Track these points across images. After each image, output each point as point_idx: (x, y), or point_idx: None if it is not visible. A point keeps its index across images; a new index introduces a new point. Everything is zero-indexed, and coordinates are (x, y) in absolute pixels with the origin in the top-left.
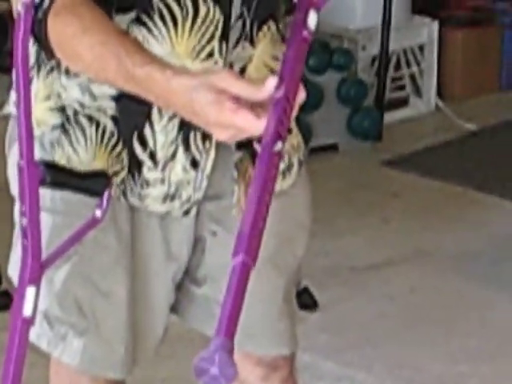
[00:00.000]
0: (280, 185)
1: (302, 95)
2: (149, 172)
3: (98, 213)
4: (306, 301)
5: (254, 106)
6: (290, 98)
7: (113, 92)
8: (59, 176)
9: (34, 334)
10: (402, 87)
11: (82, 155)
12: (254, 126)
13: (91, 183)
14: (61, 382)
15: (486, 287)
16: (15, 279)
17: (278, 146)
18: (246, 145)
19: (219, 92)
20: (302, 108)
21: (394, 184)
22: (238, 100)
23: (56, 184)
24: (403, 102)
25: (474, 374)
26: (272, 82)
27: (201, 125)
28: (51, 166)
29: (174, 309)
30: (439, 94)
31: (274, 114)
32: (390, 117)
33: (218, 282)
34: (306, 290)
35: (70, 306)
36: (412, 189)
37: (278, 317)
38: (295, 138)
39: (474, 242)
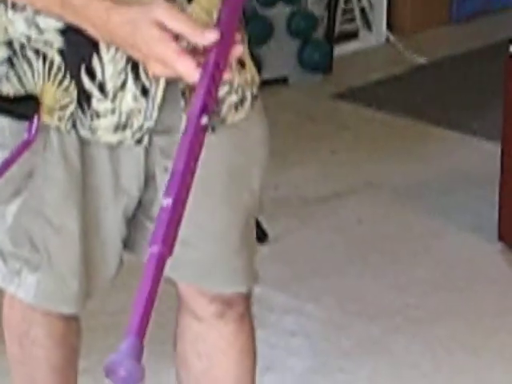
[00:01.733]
0: (232, 118)
1: (238, 49)
2: (98, 103)
3: (30, 134)
4: (256, 233)
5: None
6: (221, 63)
7: (59, 25)
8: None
9: None
10: (352, 20)
11: (29, 89)
12: (192, 74)
13: (23, 107)
14: (14, 317)
15: (432, 218)
16: None
17: (205, 119)
18: None
19: (163, 29)
20: (252, 41)
21: (344, 116)
22: (178, 39)
23: None
24: (353, 35)
25: (420, 305)
26: (213, 35)
27: (138, 57)
28: None
29: (128, 246)
30: (389, 27)
31: (202, 83)
32: (340, 50)
33: None
34: (256, 222)
35: (23, 240)
36: (361, 121)
37: (234, 254)
38: (249, 71)
39: (421, 174)
